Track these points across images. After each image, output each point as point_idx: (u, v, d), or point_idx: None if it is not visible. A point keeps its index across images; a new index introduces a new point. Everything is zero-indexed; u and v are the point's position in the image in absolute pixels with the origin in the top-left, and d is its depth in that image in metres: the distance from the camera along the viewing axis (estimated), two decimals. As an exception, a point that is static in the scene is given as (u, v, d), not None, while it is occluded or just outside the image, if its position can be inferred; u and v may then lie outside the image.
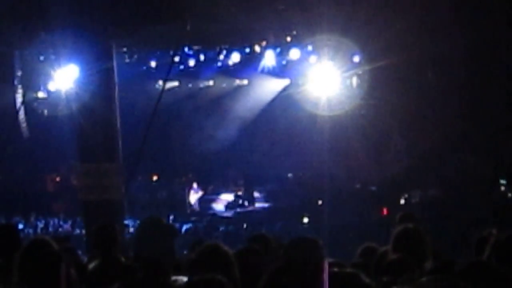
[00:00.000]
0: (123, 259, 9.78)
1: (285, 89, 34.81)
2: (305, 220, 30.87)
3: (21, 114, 32.55)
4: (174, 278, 7.01)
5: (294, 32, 31.98)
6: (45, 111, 34.08)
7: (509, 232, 7.79)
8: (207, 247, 7.45)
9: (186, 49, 34.21)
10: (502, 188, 22.06)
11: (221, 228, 32.17)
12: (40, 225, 32.22)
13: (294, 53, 33.08)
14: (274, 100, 35.92)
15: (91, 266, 9.59)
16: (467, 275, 5.11)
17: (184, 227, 31.28)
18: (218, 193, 37.57)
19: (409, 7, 26.73)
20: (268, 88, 36.22)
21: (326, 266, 5.67)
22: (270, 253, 9.09)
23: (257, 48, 34.58)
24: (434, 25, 27.87)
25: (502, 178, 22.65)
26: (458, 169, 30.44)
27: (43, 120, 33.96)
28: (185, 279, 6.82)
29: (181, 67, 35.16)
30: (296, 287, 6.61)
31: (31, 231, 30.19)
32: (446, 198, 29.83)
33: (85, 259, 10.98)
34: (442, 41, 28.13)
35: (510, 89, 28.15)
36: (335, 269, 7.02)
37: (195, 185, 37.07)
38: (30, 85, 33.15)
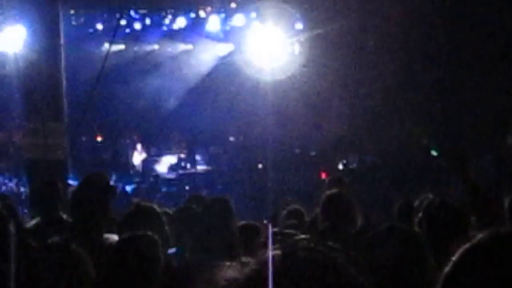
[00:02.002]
0: (65, 216, 9.73)
1: (229, 54, 34.76)
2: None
3: (-31, 73, 32.29)
4: (106, 236, 6.98)
5: (239, -1, 32.00)
6: (-8, 70, 33.83)
7: (440, 198, 7.85)
8: (136, 207, 7.46)
9: (132, 13, 34.11)
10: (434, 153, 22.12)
11: (164, 189, 32.22)
12: (-15, 183, 32.10)
13: (238, 19, 33.11)
14: (218, 65, 35.89)
15: (32, 223, 9.54)
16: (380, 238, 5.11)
17: (129, 188, 31.32)
18: (161, 155, 37.54)
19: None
20: (212, 53, 36.19)
21: (268, 227, 5.67)
22: (205, 213, 9.19)
23: (202, 14, 34.57)
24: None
25: (435, 148, 22.73)
26: (394, 136, 30.62)
27: (-10, 79, 33.71)
28: (116, 237, 6.80)
29: (127, 30, 35.07)
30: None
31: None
32: (382, 163, 30.00)
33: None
34: (381, 8, 28.22)
35: (448, 58, 28.32)
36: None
37: (139, 147, 37.02)
38: (-24, 45, 32.87)
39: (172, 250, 6.57)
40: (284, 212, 10.55)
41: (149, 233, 6.08)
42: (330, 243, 1.78)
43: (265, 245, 1.72)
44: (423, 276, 4.53)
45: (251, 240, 7.93)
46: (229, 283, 1.68)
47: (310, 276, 1.64)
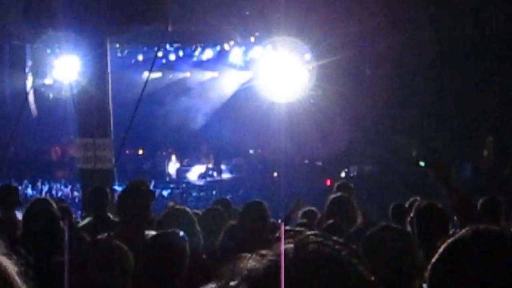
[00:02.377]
0: (111, 217, 9.74)
1: (248, 80, 34.76)
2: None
3: (31, 97, 32.33)
4: (147, 232, 6.97)
5: (257, 34, 31.98)
6: (51, 95, 33.88)
7: (428, 200, 7.83)
8: (170, 209, 7.47)
9: (168, 46, 34.16)
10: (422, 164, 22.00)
11: (194, 194, 32.25)
12: (45, 188, 32.19)
13: (257, 51, 33.12)
14: (239, 89, 35.93)
15: (84, 222, 9.56)
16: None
17: (165, 192, 31.36)
18: (192, 165, 37.59)
19: (350, 15, 26.78)
20: (235, 79, 36.20)
21: (282, 225, 5.65)
22: (229, 214, 9.26)
23: (226, 47, 34.63)
24: (371, 30, 27.92)
25: (422, 160, 22.66)
26: (388, 149, 30.59)
27: (49, 102, 33.76)
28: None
29: (163, 60, 35.16)
30: (246, 240, 6.60)
31: (36, 193, 30.05)
32: (378, 172, 29.98)
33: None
34: (377, 44, 28.24)
35: (432, 83, 28.28)
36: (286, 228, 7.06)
37: (173, 158, 37.11)
38: (39, 73, 32.93)
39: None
40: (300, 212, 10.55)
41: (177, 230, 6.11)
42: (335, 238, 1.77)
43: (279, 240, 1.72)
44: (413, 268, 4.51)
45: (271, 234, 7.99)
46: (250, 271, 1.67)
47: (319, 266, 1.63)
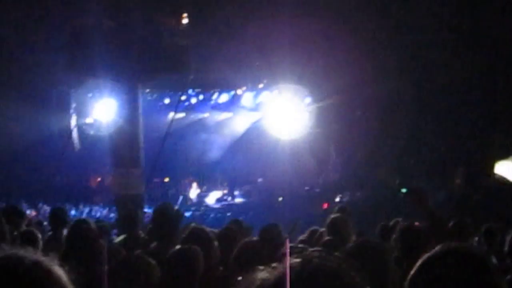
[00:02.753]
0: (142, 235, 9.73)
1: (258, 120, 34.76)
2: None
3: (74, 134, 32.44)
4: (177, 247, 6.95)
5: (265, 81, 32.11)
6: (91, 132, 33.86)
7: (409, 221, 7.83)
8: (192, 229, 7.46)
9: (190, 91, 34.24)
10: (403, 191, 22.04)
11: (212, 215, 32.14)
12: (86, 211, 32.13)
13: (265, 95, 33.18)
14: (250, 127, 35.91)
15: (119, 239, 9.54)
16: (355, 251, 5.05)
17: (187, 214, 31.29)
18: (210, 191, 37.50)
19: (343, 65, 26.85)
20: (246, 119, 36.19)
21: (287, 241, 5.61)
22: (242, 232, 9.25)
23: (239, 91, 34.73)
24: (361, 78, 27.97)
25: (403, 187, 22.62)
26: (375, 178, 30.55)
27: (90, 138, 33.75)
28: None
29: (186, 103, 35.24)
30: (261, 257, 6.58)
31: (78, 215, 30.02)
32: (367, 198, 29.90)
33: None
34: (366, 90, 28.28)
35: (412, 124, 28.30)
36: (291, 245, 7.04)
37: (194, 185, 37.02)
38: (81, 114, 33.04)
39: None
40: (307, 232, 10.60)
41: (192, 246, 6.15)
42: (336, 253, 1.78)
43: (285, 255, 1.72)
44: (386, 280, 4.50)
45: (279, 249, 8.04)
46: (262, 281, 1.67)
47: (323, 277, 1.63)
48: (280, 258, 1.72)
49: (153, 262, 5.44)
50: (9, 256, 2.11)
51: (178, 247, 6.27)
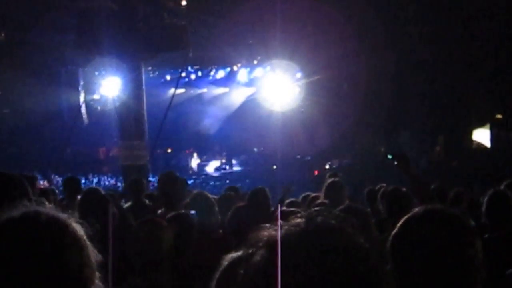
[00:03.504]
0: (147, 202, 9.75)
1: (252, 94, 34.74)
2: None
3: (83, 109, 32.38)
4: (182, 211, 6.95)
5: (259, 58, 32.06)
6: (98, 107, 33.92)
7: (390, 187, 7.86)
8: (195, 195, 7.47)
9: (189, 68, 34.18)
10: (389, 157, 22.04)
11: (211, 183, 32.22)
12: (95, 180, 32.19)
13: (259, 71, 33.12)
14: (245, 101, 35.89)
15: (126, 206, 9.55)
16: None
17: (189, 182, 31.29)
18: (209, 160, 37.61)
19: (331, 42, 26.83)
20: (242, 93, 36.16)
21: (278, 206, 5.64)
22: (238, 197, 9.28)
23: (235, 68, 34.67)
24: (347, 54, 27.95)
25: (389, 154, 22.70)
26: (362, 146, 30.62)
27: (97, 113, 33.79)
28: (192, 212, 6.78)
29: (186, 79, 35.17)
30: (250, 217, 6.60)
31: (89, 184, 30.09)
32: (354, 164, 29.99)
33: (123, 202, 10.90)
34: (352, 64, 28.27)
35: (395, 94, 28.31)
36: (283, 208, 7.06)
37: (195, 155, 37.14)
38: (89, 90, 33.00)
39: (192, 212, 6.57)
40: (301, 196, 10.51)
41: (188, 211, 6.21)
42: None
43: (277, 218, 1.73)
44: (368, 240, 4.53)
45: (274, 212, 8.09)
46: (268, 238, 1.69)
47: (326, 232, 1.66)
48: (272, 220, 1.73)
49: (165, 224, 5.48)
50: (29, 211, 2.11)
51: (176, 212, 6.28)
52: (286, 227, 1.66)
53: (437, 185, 9.71)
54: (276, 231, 1.64)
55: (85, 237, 2.15)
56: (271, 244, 1.62)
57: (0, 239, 2.05)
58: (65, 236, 2.09)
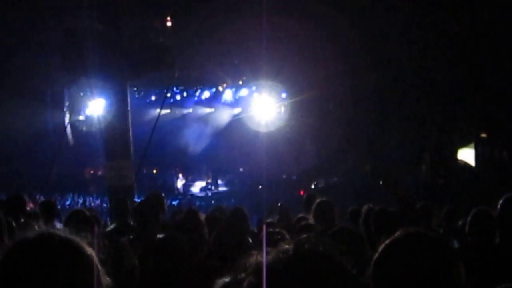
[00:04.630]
0: (132, 223, 9.66)
1: (238, 114, 34.80)
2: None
3: (68, 130, 32.30)
4: (159, 236, 6.87)
5: (244, 78, 32.15)
6: (84, 128, 33.90)
7: (379, 206, 7.80)
8: (188, 212, 7.41)
9: (174, 88, 34.21)
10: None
11: (197, 203, 32.13)
12: (80, 201, 32.06)
13: (244, 91, 33.24)
14: (231, 121, 35.95)
15: (111, 227, 9.47)
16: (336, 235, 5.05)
17: (174, 202, 31.23)
18: (195, 181, 37.60)
19: (316, 63, 26.92)
20: (227, 113, 36.23)
21: (264, 227, 5.58)
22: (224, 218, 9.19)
23: (220, 88, 34.79)
24: (332, 75, 28.04)
25: (377, 174, 22.73)
26: (347, 166, 30.65)
27: (82, 133, 33.76)
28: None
29: (171, 100, 35.19)
30: (231, 239, 6.55)
31: (74, 204, 29.97)
32: (340, 184, 29.99)
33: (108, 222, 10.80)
34: (337, 85, 28.38)
35: (380, 115, 28.39)
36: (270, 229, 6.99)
37: (180, 176, 37.10)
38: (74, 111, 32.95)
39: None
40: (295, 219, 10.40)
41: (179, 235, 6.13)
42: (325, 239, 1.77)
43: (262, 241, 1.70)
44: (362, 263, 4.49)
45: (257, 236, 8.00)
46: (257, 265, 1.67)
47: (314, 259, 1.65)
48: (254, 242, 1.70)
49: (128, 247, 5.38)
50: (43, 232, 2.14)
51: (165, 235, 6.20)
52: (274, 253, 1.65)
53: (422, 204, 9.65)
54: (262, 257, 1.62)
55: (97, 260, 2.17)
56: (259, 271, 1.60)
57: (14, 259, 2.08)
58: (78, 258, 2.11)
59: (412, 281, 2.62)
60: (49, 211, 9.89)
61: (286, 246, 1.69)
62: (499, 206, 6.13)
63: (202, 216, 7.56)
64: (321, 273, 1.61)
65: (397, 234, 2.79)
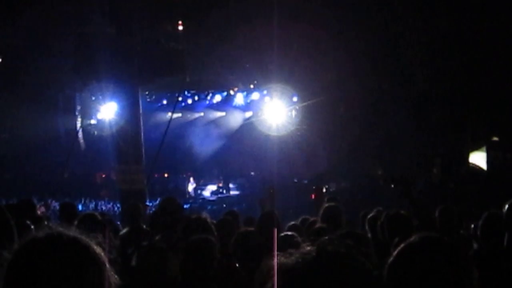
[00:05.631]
0: (144, 227, 9.68)
1: (249, 118, 34.80)
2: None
3: (80, 134, 32.40)
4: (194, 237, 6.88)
5: (255, 82, 32.14)
6: (95, 132, 33.95)
7: (392, 211, 7.77)
8: (195, 219, 7.41)
9: (186, 92, 34.27)
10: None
11: (208, 207, 32.10)
12: (92, 205, 32.07)
13: (255, 95, 33.20)
14: (242, 125, 35.96)
15: (123, 231, 9.49)
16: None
17: (185, 206, 31.22)
18: (206, 185, 37.55)
19: (328, 67, 26.89)
20: (238, 117, 36.26)
21: (274, 231, 5.60)
22: (237, 222, 9.19)
23: (232, 92, 34.75)
24: (344, 78, 28.01)
25: (392, 181, 22.59)
26: (359, 170, 30.58)
27: (94, 138, 33.81)
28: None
29: (183, 104, 35.24)
30: (255, 245, 6.55)
31: (86, 208, 29.98)
32: (351, 187, 29.93)
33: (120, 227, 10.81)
34: (349, 88, 28.33)
35: (392, 118, 28.33)
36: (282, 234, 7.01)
37: (191, 180, 37.04)
38: (86, 115, 33.04)
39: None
40: (299, 220, 10.42)
41: (209, 236, 6.12)
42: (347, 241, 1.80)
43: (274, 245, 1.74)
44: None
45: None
46: (280, 266, 1.71)
47: (337, 261, 1.68)
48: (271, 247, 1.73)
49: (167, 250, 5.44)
50: (52, 232, 2.16)
51: (195, 236, 6.21)
52: (297, 255, 1.68)
53: (444, 207, 9.49)
54: (286, 258, 1.65)
55: (105, 259, 2.19)
56: (282, 272, 1.63)
57: (24, 259, 2.10)
58: (86, 257, 2.13)
59: (427, 285, 2.64)
60: (70, 213, 9.92)
61: (308, 248, 1.71)
62: (505, 210, 6.11)
63: (210, 221, 7.57)
64: (344, 274, 1.64)
65: (412, 238, 2.81)
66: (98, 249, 2.18)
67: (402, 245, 2.80)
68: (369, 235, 7.73)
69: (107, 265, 2.18)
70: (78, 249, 2.13)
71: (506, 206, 6.14)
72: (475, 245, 7.23)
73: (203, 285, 5.60)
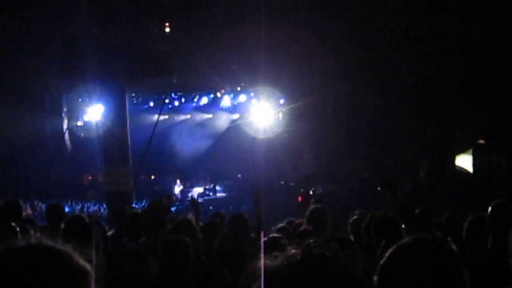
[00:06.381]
0: (131, 229, 9.66)
1: (236, 120, 34.80)
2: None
3: (66, 136, 32.31)
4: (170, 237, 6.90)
5: (242, 84, 32.17)
6: (82, 134, 33.85)
7: (378, 213, 7.78)
8: (180, 220, 7.43)
9: (173, 94, 34.23)
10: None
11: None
12: (78, 207, 31.97)
13: (242, 97, 33.21)
14: (229, 127, 35.96)
15: (110, 232, 9.47)
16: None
17: (172, 209, 31.08)
18: (193, 187, 37.48)
19: (314, 69, 26.93)
20: (225, 119, 36.24)
21: (261, 234, 5.61)
22: (223, 224, 9.16)
23: (218, 94, 34.77)
24: (330, 81, 28.07)
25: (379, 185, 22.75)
26: (345, 172, 30.63)
27: (81, 139, 33.70)
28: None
29: (170, 106, 35.22)
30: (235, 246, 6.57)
31: (72, 210, 29.87)
32: (338, 190, 29.96)
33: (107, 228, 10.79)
34: (335, 91, 28.39)
35: (379, 121, 28.39)
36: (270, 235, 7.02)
37: (178, 182, 36.98)
38: (72, 117, 32.94)
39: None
40: (285, 222, 10.39)
41: (182, 236, 6.17)
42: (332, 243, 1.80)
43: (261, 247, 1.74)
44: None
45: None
46: (267, 268, 1.70)
47: (322, 264, 1.67)
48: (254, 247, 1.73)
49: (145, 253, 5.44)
50: (33, 242, 2.08)
51: (170, 237, 6.24)
52: (282, 258, 1.67)
53: (421, 209, 9.59)
54: (271, 261, 1.64)
55: (88, 269, 2.11)
56: (267, 275, 1.63)
57: (4, 267, 2.02)
58: (66, 269, 2.05)
59: (420, 286, 2.64)
60: (57, 215, 9.85)
61: (293, 251, 1.71)
62: (489, 212, 6.14)
63: (193, 224, 7.57)
64: (329, 277, 1.62)
65: (404, 240, 2.81)
66: (81, 261, 2.09)
67: (394, 247, 2.79)
68: (351, 237, 7.72)
69: (90, 275, 2.10)
70: (58, 261, 2.04)
71: (490, 209, 6.17)
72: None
73: (180, 285, 5.62)
